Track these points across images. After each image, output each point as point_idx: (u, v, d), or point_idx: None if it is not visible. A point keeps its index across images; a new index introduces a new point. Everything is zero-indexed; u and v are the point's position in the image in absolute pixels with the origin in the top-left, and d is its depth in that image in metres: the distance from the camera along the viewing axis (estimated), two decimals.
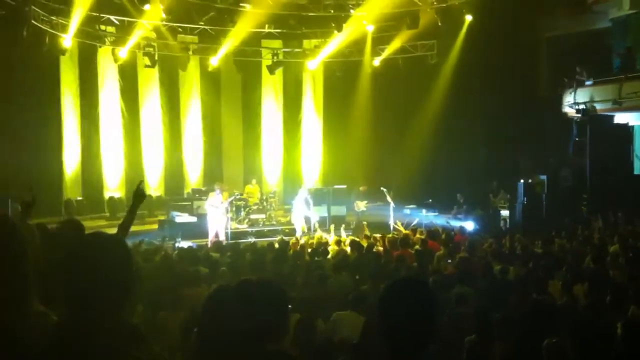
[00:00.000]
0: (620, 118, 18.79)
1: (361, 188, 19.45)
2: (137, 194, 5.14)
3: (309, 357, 4.95)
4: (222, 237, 15.18)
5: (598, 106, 18.51)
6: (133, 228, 5.25)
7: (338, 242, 12.61)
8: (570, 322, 5.57)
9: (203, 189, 19.47)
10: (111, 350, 2.10)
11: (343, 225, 16.76)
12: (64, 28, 17.17)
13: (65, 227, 4.80)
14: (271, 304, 2.91)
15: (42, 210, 14.63)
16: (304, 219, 17.13)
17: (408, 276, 4.14)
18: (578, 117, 19.00)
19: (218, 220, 15.69)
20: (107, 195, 19.73)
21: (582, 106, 18.65)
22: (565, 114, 20.09)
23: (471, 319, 5.72)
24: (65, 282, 2.18)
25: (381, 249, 11.60)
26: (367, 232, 15.15)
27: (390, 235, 14.13)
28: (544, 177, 18.14)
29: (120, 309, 2.21)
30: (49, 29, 16.71)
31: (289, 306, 3.27)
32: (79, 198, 19.07)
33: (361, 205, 18.79)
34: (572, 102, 19.23)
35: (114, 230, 4.50)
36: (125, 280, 2.24)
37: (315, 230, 16.61)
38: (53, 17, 16.89)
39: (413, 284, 2.50)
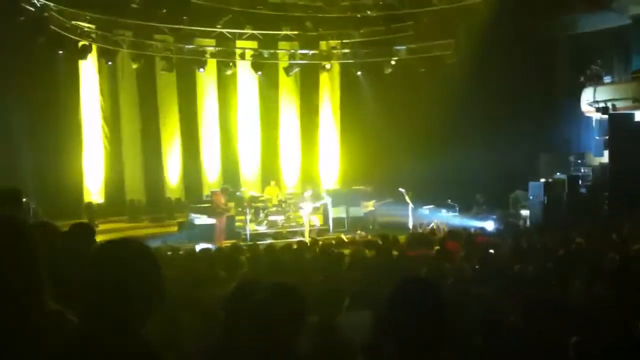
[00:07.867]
0: None
1: (366, 188, 19.40)
2: None
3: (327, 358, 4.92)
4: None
5: (618, 104, 18.24)
6: (153, 231, 5.27)
7: (353, 242, 12.58)
8: (592, 322, 5.50)
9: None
10: None
11: (359, 227, 17.52)
12: (82, 33, 17.31)
13: (75, 230, 4.82)
14: (292, 308, 2.88)
15: (63, 214, 14.83)
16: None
17: (417, 276, 4.11)
18: (598, 115, 18.77)
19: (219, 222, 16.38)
20: (127, 198, 19.87)
21: (601, 104, 18.41)
22: (584, 112, 19.86)
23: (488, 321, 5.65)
24: (83, 289, 2.08)
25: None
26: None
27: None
28: (563, 176, 17.96)
29: (141, 324, 2.09)
30: (67, 34, 16.85)
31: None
32: (100, 201, 19.20)
33: (369, 206, 18.71)
34: (592, 100, 18.99)
35: (132, 233, 4.51)
36: (149, 293, 2.11)
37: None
38: (72, 22, 17.02)
39: (421, 284, 2.42)
